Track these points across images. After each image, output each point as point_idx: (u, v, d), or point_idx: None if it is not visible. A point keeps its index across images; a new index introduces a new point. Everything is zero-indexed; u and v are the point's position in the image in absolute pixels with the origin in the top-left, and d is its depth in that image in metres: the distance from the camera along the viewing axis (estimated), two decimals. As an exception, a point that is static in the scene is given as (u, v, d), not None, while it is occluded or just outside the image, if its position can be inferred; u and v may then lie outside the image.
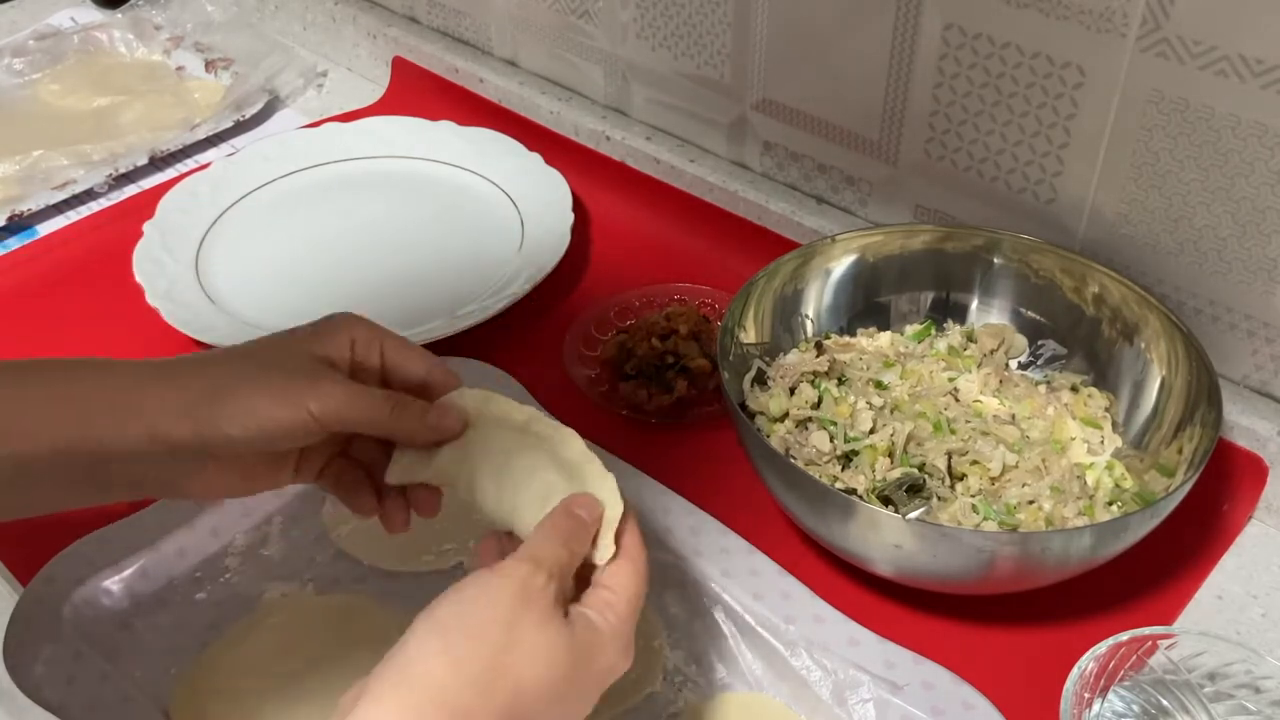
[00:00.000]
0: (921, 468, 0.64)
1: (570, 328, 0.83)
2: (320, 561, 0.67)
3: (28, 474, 0.47)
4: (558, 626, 0.44)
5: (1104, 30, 0.66)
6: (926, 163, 0.80)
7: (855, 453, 0.65)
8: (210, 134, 1.09)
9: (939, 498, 0.63)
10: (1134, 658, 0.56)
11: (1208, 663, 0.56)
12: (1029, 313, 0.74)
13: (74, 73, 1.19)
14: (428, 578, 0.66)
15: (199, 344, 0.81)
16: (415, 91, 1.14)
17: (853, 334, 0.76)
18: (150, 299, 0.83)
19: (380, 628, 0.63)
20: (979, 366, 0.72)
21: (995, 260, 0.74)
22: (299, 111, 1.16)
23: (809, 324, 0.75)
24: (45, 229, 0.98)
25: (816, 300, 0.75)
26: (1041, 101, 0.72)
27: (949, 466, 0.65)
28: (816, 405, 0.69)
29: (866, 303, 0.76)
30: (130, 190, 1.03)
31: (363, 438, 0.55)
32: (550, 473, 0.51)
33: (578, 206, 0.93)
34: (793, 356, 0.73)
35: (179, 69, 1.21)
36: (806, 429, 0.67)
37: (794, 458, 0.66)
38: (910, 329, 0.76)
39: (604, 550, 0.48)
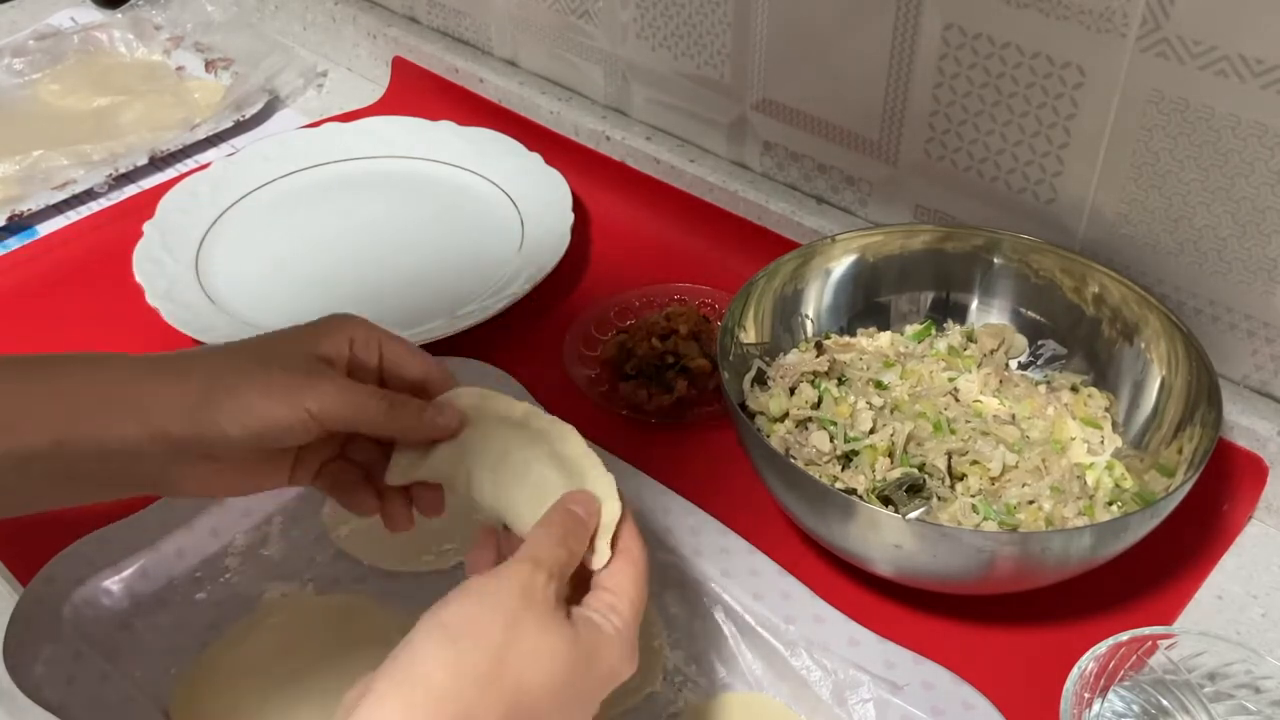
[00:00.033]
0: (921, 468, 0.64)
1: (570, 328, 0.83)
2: (320, 561, 0.67)
3: (21, 470, 0.46)
4: (559, 627, 0.43)
5: (1104, 30, 0.66)
6: (926, 163, 0.80)
7: (855, 453, 0.65)
8: (210, 134, 1.09)
9: (939, 498, 0.63)
10: (1134, 658, 0.56)
11: (1208, 663, 0.56)
12: (1029, 313, 0.74)
13: (74, 73, 1.19)
14: (428, 578, 0.66)
15: (199, 344, 0.80)
16: (415, 91, 1.14)
17: (853, 334, 0.76)
18: (150, 299, 0.83)
19: (380, 628, 0.63)
20: (979, 366, 0.72)
21: (995, 260, 0.74)
22: (299, 111, 1.16)
23: (809, 324, 0.75)
24: (45, 229, 0.98)
25: (816, 300, 0.75)
26: (1041, 101, 0.72)
27: (949, 466, 0.65)
28: (816, 405, 0.69)
29: (866, 303, 0.76)
30: (130, 190, 1.03)
31: (360, 438, 0.55)
32: (547, 468, 0.51)
33: (578, 206, 0.93)
34: (793, 356, 0.73)
35: (179, 69, 1.21)
36: (806, 429, 0.67)
37: (794, 458, 0.66)
38: (910, 329, 0.76)
39: (600, 555, 0.48)
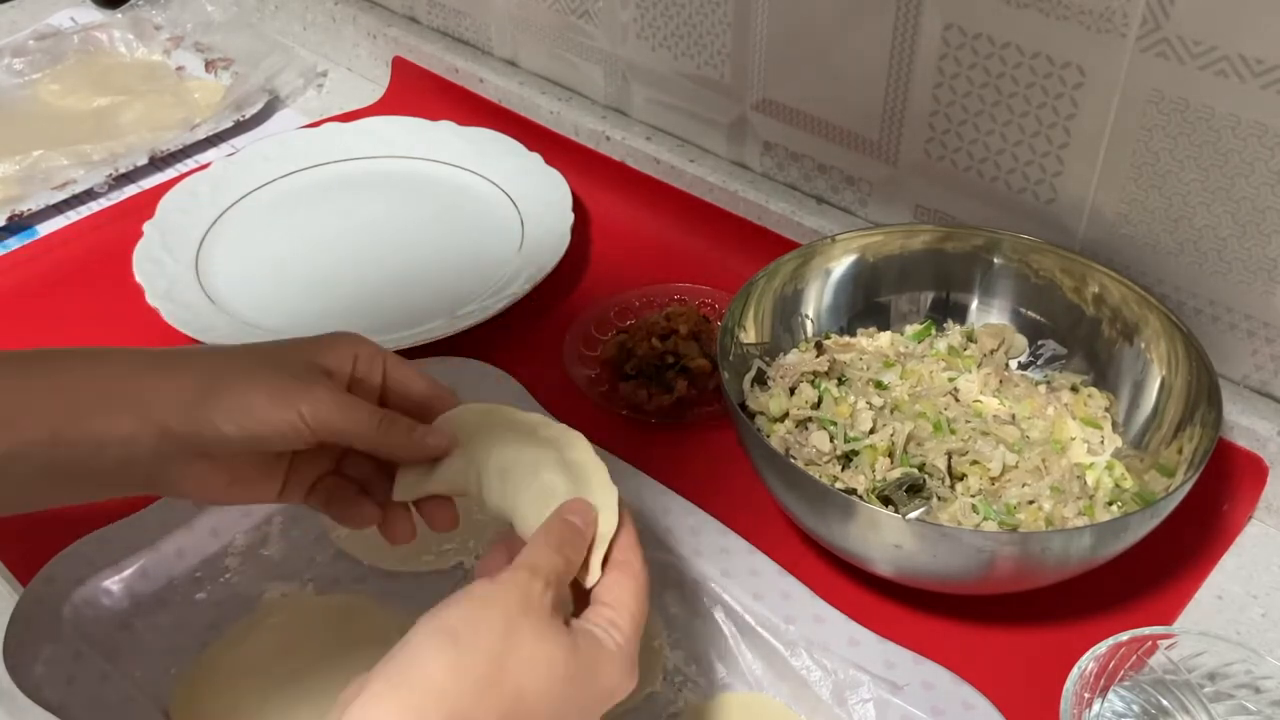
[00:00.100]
0: (921, 468, 0.64)
1: (570, 328, 0.83)
2: (320, 561, 0.67)
3: (19, 465, 0.46)
4: (557, 636, 0.43)
5: (1104, 30, 0.66)
6: (926, 163, 0.80)
7: (855, 453, 0.65)
8: (210, 134, 1.09)
9: (939, 498, 0.63)
10: (1134, 658, 0.56)
11: (1208, 663, 0.56)
12: (1029, 313, 0.74)
13: (74, 73, 1.19)
14: (428, 578, 0.66)
15: (199, 344, 0.81)
16: (415, 91, 1.14)
17: (853, 334, 0.76)
18: (150, 299, 0.83)
19: (380, 628, 0.63)
20: (979, 366, 0.72)
21: (995, 260, 0.74)
22: (299, 111, 1.16)
23: (809, 324, 0.75)
24: (45, 229, 0.98)
25: (816, 300, 0.75)
26: (1041, 101, 0.72)
27: (949, 466, 0.65)
28: (816, 405, 0.69)
29: (866, 303, 0.76)
30: (130, 190, 1.03)
31: (356, 454, 0.55)
32: (554, 473, 0.51)
33: (578, 206, 0.93)
34: (793, 356, 0.73)
35: (179, 69, 1.21)
36: (806, 429, 0.67)
37: (794, 458, 0.66)
38: (910, 329, 0.76)
39: (593, 573, 0.48)
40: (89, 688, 0.57)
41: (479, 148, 1.02)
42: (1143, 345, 0.68)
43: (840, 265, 0.75)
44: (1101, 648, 0.55)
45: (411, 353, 0.78)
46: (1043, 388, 0.71)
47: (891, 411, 0.68)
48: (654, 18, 0.92)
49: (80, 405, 0.47)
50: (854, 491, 0.63)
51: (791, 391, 0.70)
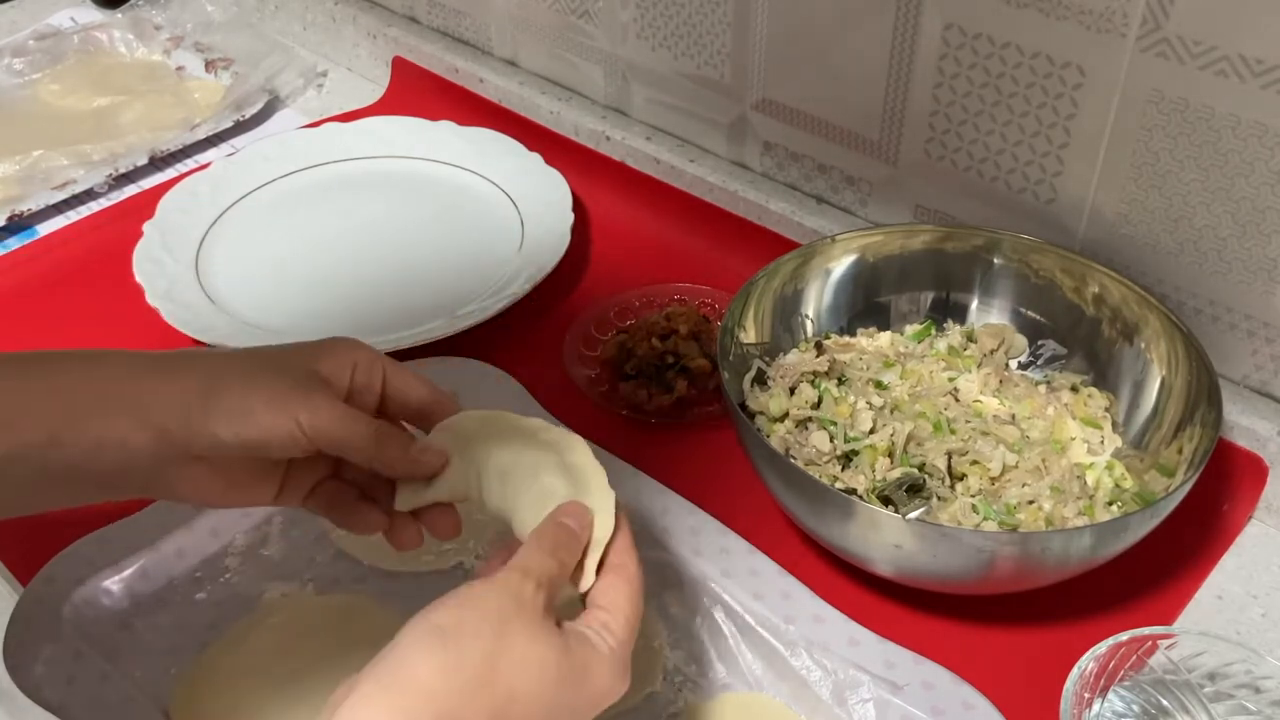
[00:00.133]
0: (921, 468, 0.64)
1: (570, 328, 0.83)
2: (320, 561, 0.67)
3: (17, 467, 0.46)
4: (548, 637, 0.43)
5: (1104, 30, 0.66)
6: (926, 163, 0.80)
7: (855, 453, 0.65)
8: (210, 134, 1.09)
9: (939, 498, 0.63)
10: (1134, 658, 0.56)
11: (1208, 663, 0.56)
12: (1029, 313, 0.74)
13: (74, 73, 1.19)
14: (428, 578, 0.66)
15: (199, 344, 0.81)
16: (415, 91, 1.14)
17: (853, 334, 0.76)
18: (150, 299, 0.83)
19: (380, 628, 0.62)
20: (979, 366, 0.72)
21: (995, 260, 0.74)
22: (299, 111, 1.16)
23: (809, 324, 0.75)
24: (45, 229, 0.98)
25: (816, 300, 0.75)
26: (1041, 101, 0.72)
27: (949, 466, 0.65)
28: (816, 405, 0.69)
29: (866, 303, 0.76)
30: (130, 190, 1.03)
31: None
32: (554, 476, 0.51)
33: (578, 206, 0.93)
34: (793, 356, 0.73)
35: (179, 69, 1.21)
36: (806, 429, 0.67)
37: (794, 458, 0.66)
38: (910, 329, 0.76)
39: (586, 578, 0.48)
40: (89, 688, 0.57)
41: (479, 148, 1.02)
42: (1143, 345, 0.68)
43: (840, 265, 0.75)
44: (1101, 648, 0.55)
45: (411, 353, 0.78)
46: (1043, 388, 0.71)
47: (891, 411, 0.68)
48: (654, 18, 0.92)
49: (78, 408, 0.47)
50: (854, 491, 0.63)
51: (791, 391, 0.70)
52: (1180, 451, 0.63)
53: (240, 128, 1.12)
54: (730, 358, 0.68)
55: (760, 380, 0.71)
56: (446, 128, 1.04)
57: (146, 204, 0.95)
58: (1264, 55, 0.61)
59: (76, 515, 0.64)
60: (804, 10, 0.81)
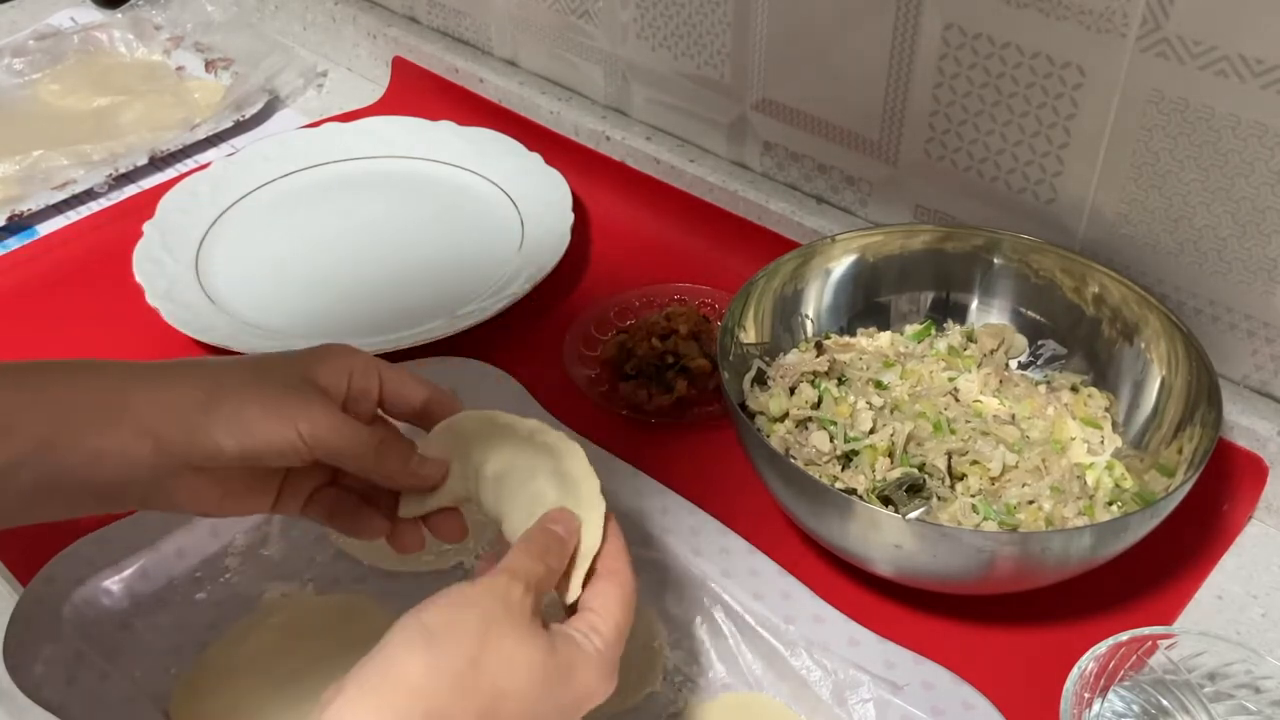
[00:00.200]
0: (921, 468, 0.64)
1: (570, 328, 0.83)
2: (320, 561, 0.67)
3: (10, 478, 0.46)
4: (534, 638, 0.44)
5: (1104, 30, 0.66)
6: (926, 163, 0.80)
7: (855, 453, 0.65)
8: (210, 134, 1.09)
9: (939, 498, 0.63)
10: (1134, 658, 0.56)
11: (1208, 663, 0.56)
12: (1029, 313, 0.74)
13: (74, 73, 1.19)
14: (428, 578, 0.66)
15: (199, 344, 0.81)
16: (415, 91, 1.14)
17: (853, 334, 0.76)
18: (150, 299, 0.83)
19: (380, 628, 0.61)
20: (979, 366, 0.72)
21: (995, 260, 0.74)
22: (299, 111, 1.16)
23: (809, 324, 0.75)
24: (45, 229, 0.98)
25: (816, 300, 0.75)
26: (1041, 101, 0.72)
27: (949, 466, 0.65)
28: (816, 405, 0.69)
29: (866, 303, 0.76)
30: (130, 190, 1.03)
31: None
32: (547, 483, 0.51)
33: (578, 206, 0.93)
34: (793, 356, 0.73)
35: (179, 69, 1.21)
36: (806, 429, 0.67)
37: (794, 458, 0.66)
38: (910, 329, 0.76)
39: (573, 590, 0.48)
40: (89, 688, 0.57)
41: (479, 148, 1.02)
42: (1143, 345, 0.68)
43: (840, 265, 0.75)
44: (1101, 648, 0.55)
45: (411, 353, 0.78)
46: (1043, 388, 0.71)
47: (891, 411, 0.68)
48: (654, 18, 0.92)
49: (77, 418, 0.47)
50: (854, 491, 0.63)
51: (791, 391, 0.70)
52: (1180, 451, 0.63)
53: (240, 128, 1.12)
54: (730, 358, 0.68)
55: (760, 380, 0.71)
56: (446, 128, 1.04)
57: (146, 204, 0.95)
58: (1264, 55, 0.61)
59: (76, 515, 0.64)
60: (804, 10, 0.81)
